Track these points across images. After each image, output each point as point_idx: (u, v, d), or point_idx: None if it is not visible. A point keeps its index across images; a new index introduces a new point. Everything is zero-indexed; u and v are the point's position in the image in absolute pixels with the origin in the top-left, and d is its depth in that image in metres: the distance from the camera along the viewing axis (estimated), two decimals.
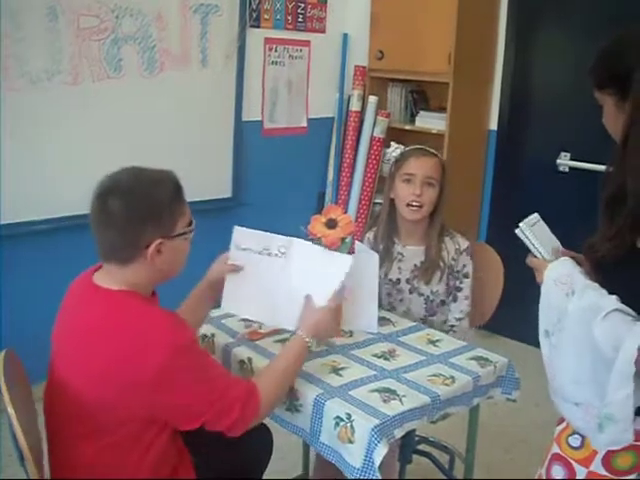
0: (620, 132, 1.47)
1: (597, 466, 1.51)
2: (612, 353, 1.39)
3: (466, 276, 2.47)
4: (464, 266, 2.46)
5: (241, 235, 2.07)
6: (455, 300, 2.47)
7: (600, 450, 1.49)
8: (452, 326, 2.43)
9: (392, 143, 2.48)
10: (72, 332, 1.69)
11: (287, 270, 2.01)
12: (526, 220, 1.64)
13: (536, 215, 1.69)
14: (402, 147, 2.46)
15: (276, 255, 2.02)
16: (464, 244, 2.47)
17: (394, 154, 2.45)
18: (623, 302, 1.42)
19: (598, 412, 1.43)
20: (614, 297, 1.43)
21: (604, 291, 1.46)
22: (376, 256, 2.19)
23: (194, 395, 1.62)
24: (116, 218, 1.61)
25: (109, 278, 1.68)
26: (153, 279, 1.72)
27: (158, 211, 1.64)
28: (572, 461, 1.55)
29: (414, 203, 2.38)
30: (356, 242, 2.38)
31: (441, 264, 2.43)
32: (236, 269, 2.05)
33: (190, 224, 1.74)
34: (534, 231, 1.63)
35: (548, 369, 1.56)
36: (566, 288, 1.50)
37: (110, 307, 1.65)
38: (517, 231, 1.62)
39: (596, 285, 1.48)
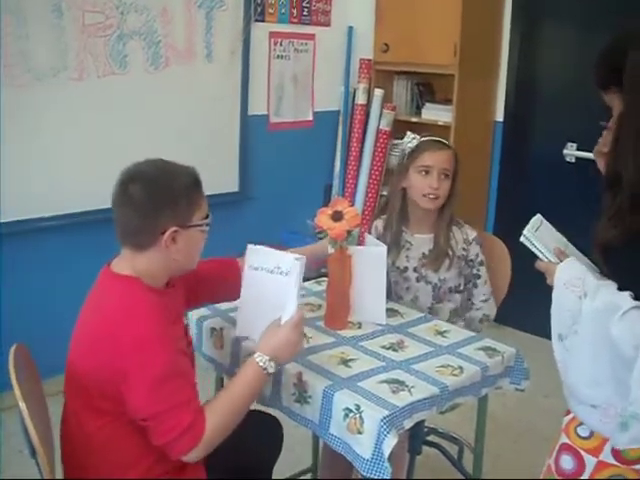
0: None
1: (607, 455, 1.51)
2: (633, 352, 1.38)
3: (481, 264, 2.50)
4: (477, 255, 2.50)
5: (254, 253, 2.04)
6: (476, 286, 2.52)
7: (621, 448, 1.48)
8: (479, 309, 2.50)
9: (408, 132, 2.50)
10: (81, 315, 1.75)
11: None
12: (529, 225, 1.63)
13: (538, 217, 1.68)
14: (418, 137, 2.47)
15: (286, 274, 1.95)
16: (472, 234, 2.50)
17: (410, 145, 2.46)
18: (632, 289, 1.42)
19: (621, 411, 1.42)
20: (627, 294, 1.42)
21: (615, 288, 1.45)
22: (384, 248, 2.20)
23: (145, 394, 1.61)
24: (135, 202, 1.67)
25: (122, 263, 1.74)
26: (166, 269, 1.75)
27: (175, 199, 1.70)
28: (581, 451, 1.55)
29: (431, 195, 2.41)
30: (365, 234, 2.40)
31: (449, 252, 2.45)
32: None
33: (206, 217, 1.78)
34: (538, 236, 1.62)
35: (562, 372, 1.55)
36: (578, 291, 1.49)
37: (111, 290, 1.72)
38: (522, 239, 1.61)
39: (608, 282, 1.48)
